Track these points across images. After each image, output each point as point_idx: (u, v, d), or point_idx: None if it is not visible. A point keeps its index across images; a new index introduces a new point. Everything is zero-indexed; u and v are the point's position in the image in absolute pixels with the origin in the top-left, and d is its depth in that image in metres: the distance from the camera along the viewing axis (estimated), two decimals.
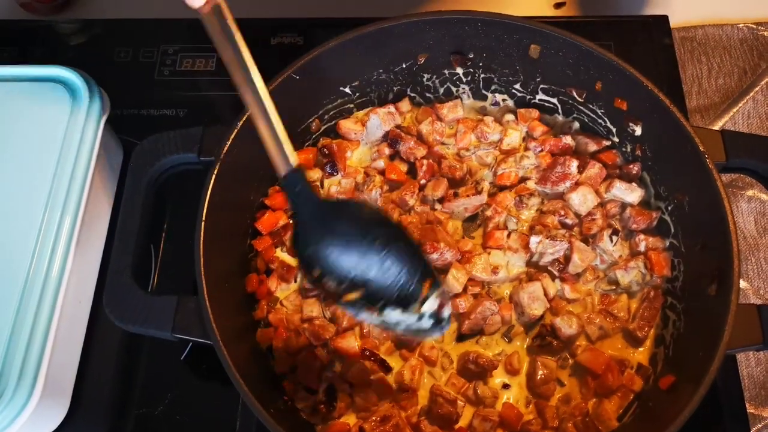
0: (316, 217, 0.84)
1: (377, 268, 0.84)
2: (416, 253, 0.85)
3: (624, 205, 1.13)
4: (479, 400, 1.02)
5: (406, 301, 0.84)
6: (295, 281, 1.11)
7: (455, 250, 1.07)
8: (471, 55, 1.17)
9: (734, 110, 1.35)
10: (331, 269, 0.84)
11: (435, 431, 0.99)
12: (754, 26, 1.43)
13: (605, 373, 1.00)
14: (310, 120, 1.18)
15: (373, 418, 0.99)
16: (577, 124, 1.20)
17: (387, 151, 1.19)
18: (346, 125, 1.20)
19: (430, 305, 0.85)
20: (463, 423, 1.01)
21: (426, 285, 0.84)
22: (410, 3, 1.46)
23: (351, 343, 1.04)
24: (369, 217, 0.87)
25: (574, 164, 1.13)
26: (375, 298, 0.84)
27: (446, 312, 0.85)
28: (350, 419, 1.01)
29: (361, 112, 1.22)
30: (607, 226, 1.12)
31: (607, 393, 1.01)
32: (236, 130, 1.01)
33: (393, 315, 0.85)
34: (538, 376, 1.02)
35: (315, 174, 1.17)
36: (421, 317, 0.85)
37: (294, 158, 0.82)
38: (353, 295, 0.85)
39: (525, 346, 1.07)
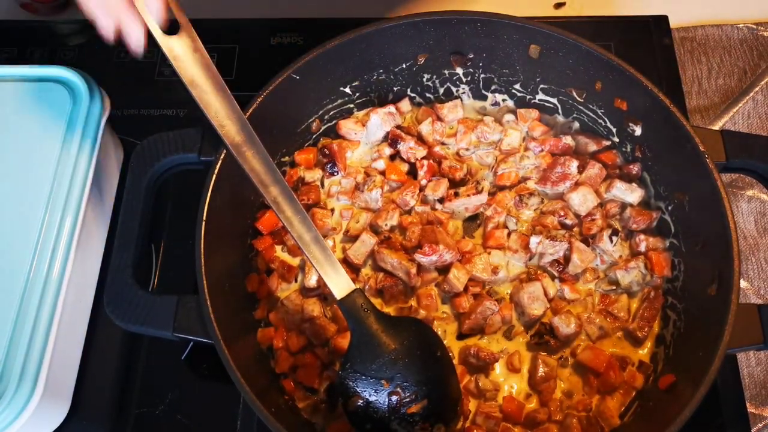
0: (374, 333, 0.90)
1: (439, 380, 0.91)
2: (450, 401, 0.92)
3: (624, 206, 1.14)
4: (480, 393, 1.02)
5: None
6: (296, 281, 1.11)
7: (455, 251, 1.07)
8: (471, 56, 1.17)
9: (734, 110, 1.35)
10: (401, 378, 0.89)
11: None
12: (754, 26, 1.43)
13: (607, 371, 1.01)
14: (311, 120, 1.18)
15: None
16: (577, 124, 1.20)
17: (387, 151, 1.19)
18: (347, 125, 1.20)
19: None
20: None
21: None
22: (410, 3, 1.46)
23: None
24: (432, 337, 0.94)
25: (574, 164, 1.13)
26: (432, 413, 0.90)
27: None
28: None
29: (361, 113, 1.22)
30: (607, 227, 1.12)
31: (609, 390, 1.01)
32: None
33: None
34: (539, 374, 1.02)
35: (315, 174, 1.17)
36: None
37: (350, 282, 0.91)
38: (415, 407, 0.89)
39: (524, 341, 1.07)
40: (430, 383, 0.90)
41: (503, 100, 1.23)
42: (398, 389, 0.88)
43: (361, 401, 0.89)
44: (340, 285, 0.91)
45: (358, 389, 0.89)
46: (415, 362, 0.90)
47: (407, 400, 0.88)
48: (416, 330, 0.94)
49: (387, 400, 0.88)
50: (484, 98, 1.24)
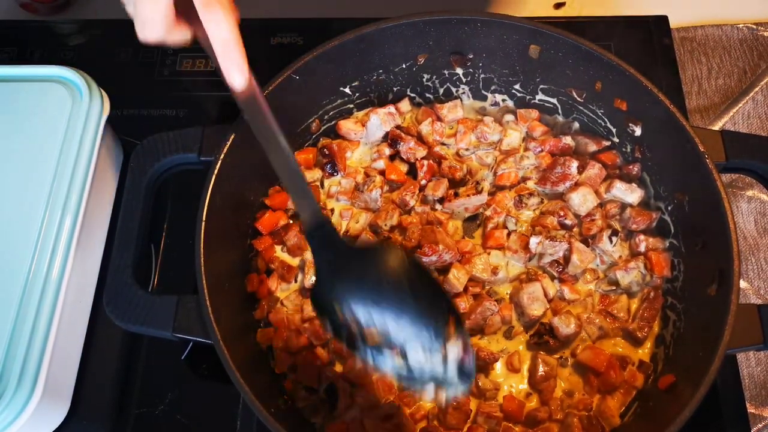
0: (336, 263, 0.87)
1: (395, 315, 0.84)
2: (438, 297, 0.86)
3: (624, 206, 1.14)
4: (480, 393, 1.02)
5: (428, 343, 0.84)
6: (296, 281, 1.11)
7: (454, 252, 1.07)
8: (471, 56, 1.17)
9: (734, 110, 1.35)
10: (353, 312, 0.85)
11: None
12: (754, 26, 1.43)
13: (607, 370, 1.01)
14: (310, 120, 1.18)
15: (375, 416, 0.99)
16: (576, 125, 1.20)
17: (387, 151, 1.19)
18: (346, 125, 1.20)
19: (455, 349, 0.84)
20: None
21: (450, 329, 0.84)
22: (410, 3, 1.46)
23: None
24: (389, 262, 0.87)
25: (573, 164, 1.13)
26: (397, 340, 0.84)
27: (470, 361, 0.84)
28: (351, 418, 1.01)
29: (361, 113, 1.22)
30: (607, 227, 1.12)
31: (610, 390, 1.01)
32: (236, 131, 1.01)
33: (417, 358, 0.84)
34: (539, 373, 1.02)
35: (315, 174, 1.17)
36: (445, 364, 0.84)
37: (319, 211, 0.88)
38: (376, 338, 0.85)
39: (524, 341, 1.07)
40: (390, 311, 0.85)
41: (503, 101, 1.23)
42: (350, 324, 0.86)
43: (329, 326, 0.87)
44: (311, 212, 0.88)
45: (326, 315, 0.87)
46: (376, 289, 0.86)
47: (364, 333, 0.86)
48: (379, 258, 0.88)
49: (348, 329, 0.86)
50: (484, 98, 1.24)
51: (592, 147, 1.17)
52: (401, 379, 0.85)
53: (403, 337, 0.84)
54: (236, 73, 0.81)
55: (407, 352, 0.84)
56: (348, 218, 1.14)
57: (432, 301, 0.85)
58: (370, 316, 0.85)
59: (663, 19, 1.40)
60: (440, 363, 0.84)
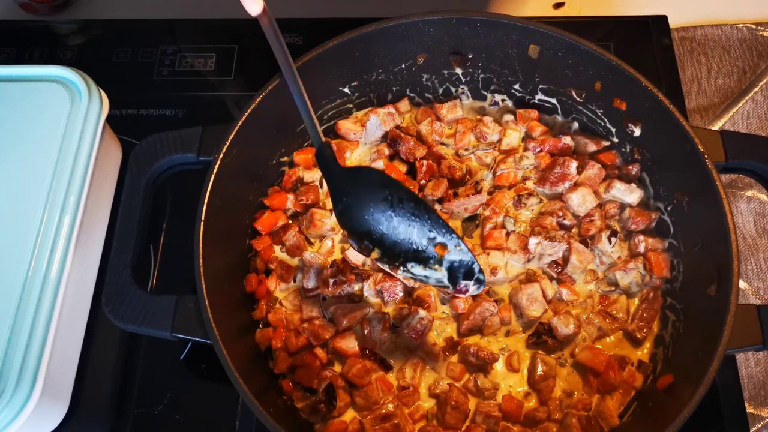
0: (337, 182, 0.98)
1: (386, 224, 0.96)
2: (425, 211, 0.94)
3: (623, 206, 1.13)
4: (479, 392, 1.02)
5: (423, 257, 0.95)
6: (294, 281, 1.11)
7: None
8: (470, 56, 1.17)
9: (734, 110, 1.35)
10: (352, 228, 0.97)
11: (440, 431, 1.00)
12: (754, 26, 1.43)
13: (606, 370, 1.01)
14: None
15: (374, 416, 0.99)
16: (576, 125, 1.20)
17: (386, 151, 1.19)
18: (346, 125, 1.20)
19: (449, 262, 0.94)
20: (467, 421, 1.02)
21: (438, 247, 0.95)
22: (410, 3, 1.46)
23: (351, 343, 1.04)
24: (378, 180, 0.97)
25: (573, 165, 1.13)
26: (393, 254, 0.96)
27: (475, 268, 0.93)
28: (350, 418, 1.01)
29: (361, 113, 1.22)
30: (606, 228, 1.12)
31: (609, 390, 1.01)
32: (236, 130, 1.01)
33: (417, 271, 0.96)
34: (538, 373, 1.02)
35: (314, 174, 1.17)
36: (450, 273, 0.95)
37: (322, 135, 0.99)
38: (374, 254, 0.97)
39: (523, 340, 1.07)
40: (375, 230, 0.96)
41: (502, 100, 1.23)
42: (355, 236, 0.97)
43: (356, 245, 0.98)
44: (313, 136, 0.99)
45: (353, 236, 0.98)
46: (361, 209, 0.97)
47: (364, 246, 0.97)
48: (364, 174, 0.99)
49: (357, 244, 0.97)
50: (484, 98, 1.24)
51: (592, 147, 1.17)
52: (415, 280, 0.97)
53: (396, 251, 0.97)
54: (251, 4, 0.85)
55: (405, 266, 0.96)
56: None
57: (417, 217, 0.95)
58: (366, 230, 0.97)
59: (663, 19, 1.40)
60: (443, 274, 0.95)
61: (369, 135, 1.20)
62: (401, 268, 0.96)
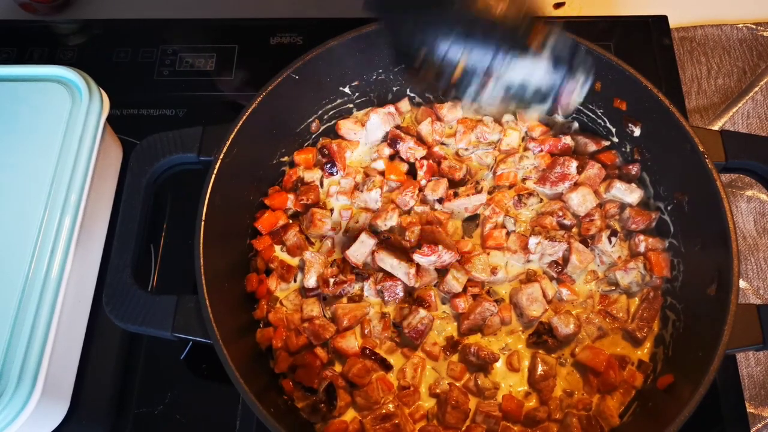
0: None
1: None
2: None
3: (623, 206, 1.14)
4: (480, 392, 1.02)
5: (517, 43, 0.80)
6: (295, 281, 1.11)
7: (454, 252, 1.07)
8: None
9: (734, 110, 1.35)
10: (431, 42, 0.83)
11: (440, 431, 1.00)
12: (754, 26, 1.43)
13: (607, 370, 1.01)
14: (310, 120, 1.18)
15: (374, 416, 0.99)
16: (576, 125, 1.20)
17: (387, 151, 1.19)
18: (346, 125, 1.20)
19: (551, 44, 0.81)
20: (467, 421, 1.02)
21: (537, 26, 0.80)
22: None
23: (351, 342, 1.04)
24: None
25: (573, 164, 1.13)
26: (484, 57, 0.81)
27: (579, 52, 0.80)
28: (350, 418, 1.01)
29: (361, 113, 1.22)
30: (606, 227, 1.12)
31: (609, 389, 1.01)
32: (236, 130, 1.01)
33: (515, 70, 0.80)
34: (538, 372, 1.02)
35: (314, 174, 1.17)
36: (551, 65, 0.81)
37: None
38: (458, 72, 0.83)
39: (524, 339, 1.07)
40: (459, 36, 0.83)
41: None
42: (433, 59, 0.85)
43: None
44: None
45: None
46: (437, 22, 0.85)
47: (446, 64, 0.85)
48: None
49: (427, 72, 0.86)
50: None
51: (592, 147, 1.17)
52: (502, 95, 0.84)
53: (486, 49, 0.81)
54: None
55: (499, 62, 0.81)
56: (347, 218, 1.14)
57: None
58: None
59: (663, 19, 1.40)
60: (542, 68, 0.82)
61: (369, 135, 1.20)
62: (496, 66, 0.81)
